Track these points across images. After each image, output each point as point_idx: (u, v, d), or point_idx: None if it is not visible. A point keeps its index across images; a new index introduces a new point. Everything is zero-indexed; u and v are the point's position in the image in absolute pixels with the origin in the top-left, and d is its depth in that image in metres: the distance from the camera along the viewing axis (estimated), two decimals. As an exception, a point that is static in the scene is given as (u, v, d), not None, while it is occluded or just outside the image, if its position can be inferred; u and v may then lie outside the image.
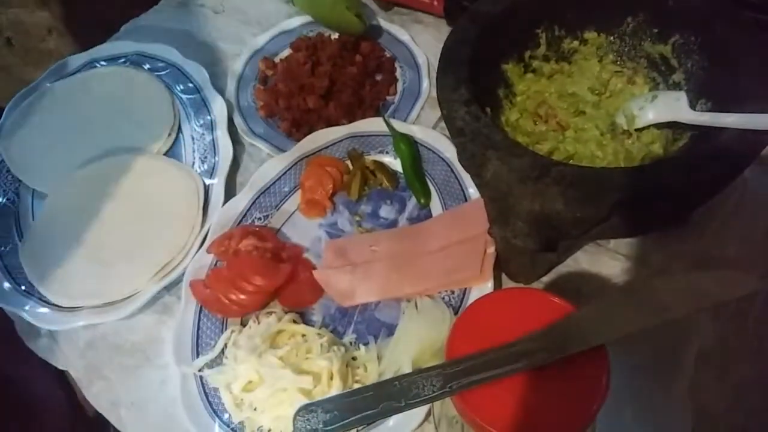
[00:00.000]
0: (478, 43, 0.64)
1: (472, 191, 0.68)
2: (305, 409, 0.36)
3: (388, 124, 0.75)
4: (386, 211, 0.72)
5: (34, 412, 0.91)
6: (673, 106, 0.61)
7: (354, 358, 0.61)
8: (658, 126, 0.64)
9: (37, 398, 0.92)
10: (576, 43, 0.71)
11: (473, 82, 0.61)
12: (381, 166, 0.74)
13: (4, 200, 0.77)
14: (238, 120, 0.82)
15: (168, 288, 0.69)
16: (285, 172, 0.74)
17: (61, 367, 0.68)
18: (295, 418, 0.36)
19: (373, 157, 0.75)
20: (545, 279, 0.64)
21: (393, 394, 0.36)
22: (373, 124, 0.77)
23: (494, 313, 0.40)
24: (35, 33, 1.39)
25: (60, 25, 1.37)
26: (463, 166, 0.61)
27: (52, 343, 0.69)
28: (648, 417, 0.55)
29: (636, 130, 0.65)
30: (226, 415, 0.59)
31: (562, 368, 0.37)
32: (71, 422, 0.95)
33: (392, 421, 0.55)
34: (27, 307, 0.67)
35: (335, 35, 0.89)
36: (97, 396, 0.65)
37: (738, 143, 0.52)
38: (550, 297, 0.40)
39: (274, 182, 0.74)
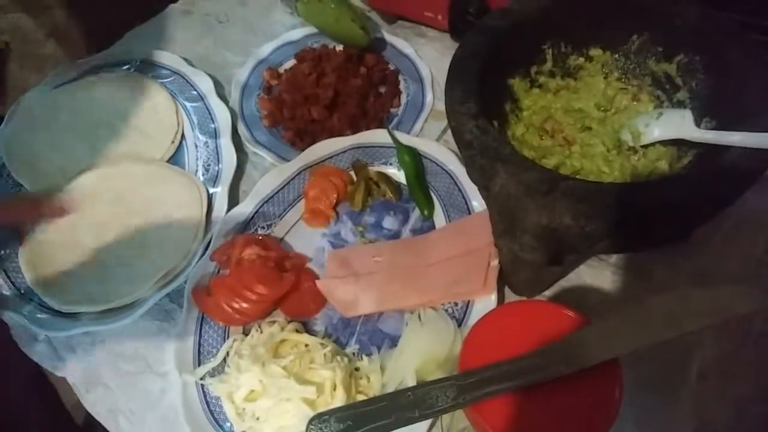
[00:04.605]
0: (486, 58, 0.64)
1: (476, 203, 0.68)
2: (318, 419, 0.36)
3: (392, 136, 0.75)
4: (390, 222, 0.72)
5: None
6: (678, 124, 0.62)
7: (357, 369, 0.60)
8: (664, 143, 0.64)
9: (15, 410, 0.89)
10: (582, 59, 0.72)
11: (480, 96, 0.61)
12: (385, 177, 0.74)
13: (5, 204, 0.77)
14: (242, 129, 0.82)
15: (170, 295, 0.68)
16: (289, 182, 0.74)
17: (58, 374, 0.67)
18: (308, 428, 0.36)
19: (376, 168, 0.75)
20: (548, 293, 0.64)
21: (407, 405, 0.36)
22: (377, 136, 0.77)
23: (507, 324, 0.40)
24: (34, 38, 1.38)
25: (60, 31, 1.36)
26: (471, 178, 0.61)
27: (50, 349, 0.68)
28: (650, 430, 0.55)
29: (642, 146, 0.65)
30: (228, 425, 0.58)
31: (575, 381, 0.37)
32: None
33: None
34: (26, 312, 0.67)
35: (340, 47, 0.89)
36: (94, 403, 0.64)
37: (743, 161, 0.52)
38: (563, 310, 0.40)
39: (278, 191, 0.74)
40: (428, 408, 0.36)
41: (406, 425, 0.36)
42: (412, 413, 0.36)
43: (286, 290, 0.64)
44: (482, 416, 0.36)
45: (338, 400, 0.56)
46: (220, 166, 0.77)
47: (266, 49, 0.92)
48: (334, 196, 0.72)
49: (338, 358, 0.59)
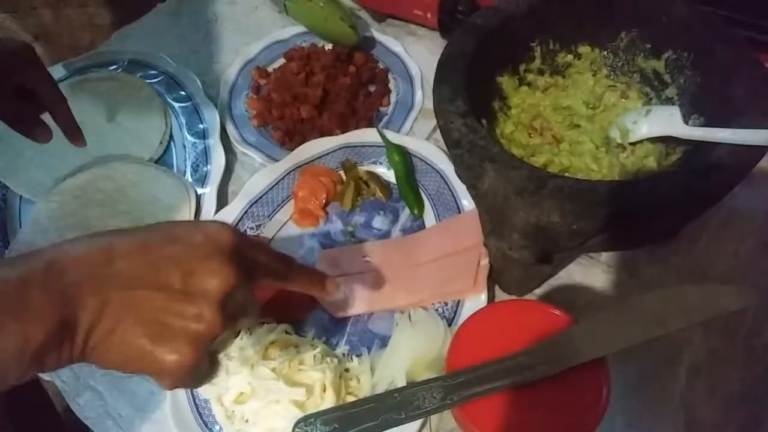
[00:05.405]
0: (474, 56, 0.64)
1: (466, 203, 0.68)
2: (304, 421, 0.36)
3: (382, 135, 0.75)
4: (379, 222, 0.71)
5: None
6: (666, 121, 0.62)
7: (347, 370, 0.60)
8: (652, 140, 0.64)
9: None
10: (570, 57, 0.71)
11: (469, 94, 0.61)
12: (374, 176, 0.74)
13: (-9, 206, 0.76)
14: (230, 129, 0.81)
15: (158, 297, 0.68)
16: (278, 182, 0.74)
17: (47, 378, 0.67)
18: (293, 431, 0.36)
19: (366, 167, 0.75)
20: (538, 291, 0.64)
21: (393, 407, 0.36)
22: (366, 135, 0.77)
23: (495, 324, 0.40)
24: (20, 40, 1.38)
25: (46, 33, 1.35)
26: (459, 177, 0.61)
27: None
28: (639, 428, 0.55)
29: (630, 143, 0.65)
30: (217, 428, 0.58)
31: (562, 380, 0.37)
32: None
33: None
34: (13, 316, 0.66)
35: (329, 46, 0.89)
36: (83, 407, 0.63)
37: (731, 158, 0.52)
38: (550, 309, 0.40)
39: (267, 192, 0.73)
40: (415, 409, 0.36)
41: (393, 427, 0.36)
42: (398, 415, 0.36)
43: (276, 291, 0.64)
44: (469, 417, 0.36)
45: (328, 401, 0.56)
46: (208, 166, 0.77)
47: (255, 49, 0.92)
48: (324, 196, 0.72)
49: (328, 359, 0.59)
